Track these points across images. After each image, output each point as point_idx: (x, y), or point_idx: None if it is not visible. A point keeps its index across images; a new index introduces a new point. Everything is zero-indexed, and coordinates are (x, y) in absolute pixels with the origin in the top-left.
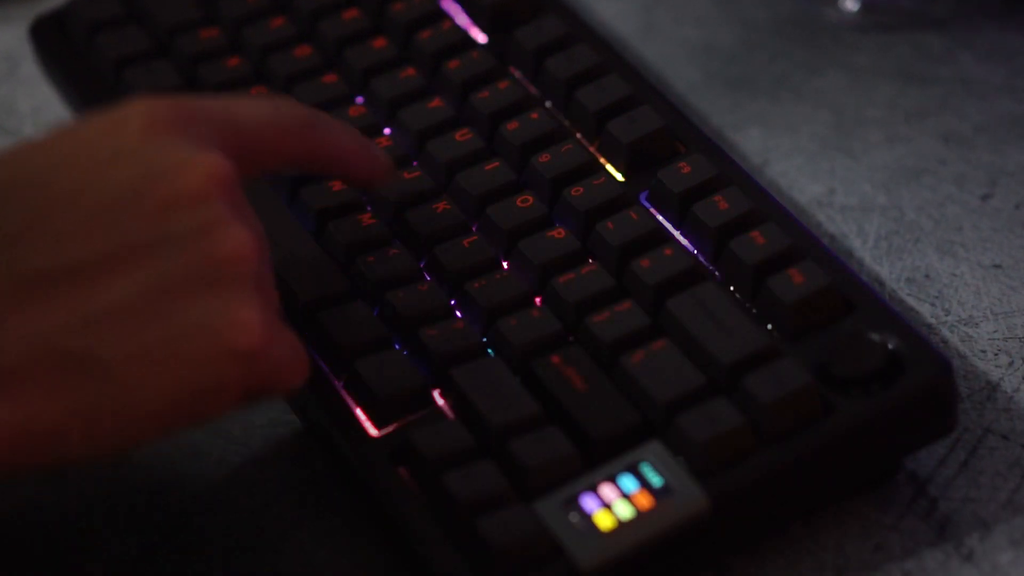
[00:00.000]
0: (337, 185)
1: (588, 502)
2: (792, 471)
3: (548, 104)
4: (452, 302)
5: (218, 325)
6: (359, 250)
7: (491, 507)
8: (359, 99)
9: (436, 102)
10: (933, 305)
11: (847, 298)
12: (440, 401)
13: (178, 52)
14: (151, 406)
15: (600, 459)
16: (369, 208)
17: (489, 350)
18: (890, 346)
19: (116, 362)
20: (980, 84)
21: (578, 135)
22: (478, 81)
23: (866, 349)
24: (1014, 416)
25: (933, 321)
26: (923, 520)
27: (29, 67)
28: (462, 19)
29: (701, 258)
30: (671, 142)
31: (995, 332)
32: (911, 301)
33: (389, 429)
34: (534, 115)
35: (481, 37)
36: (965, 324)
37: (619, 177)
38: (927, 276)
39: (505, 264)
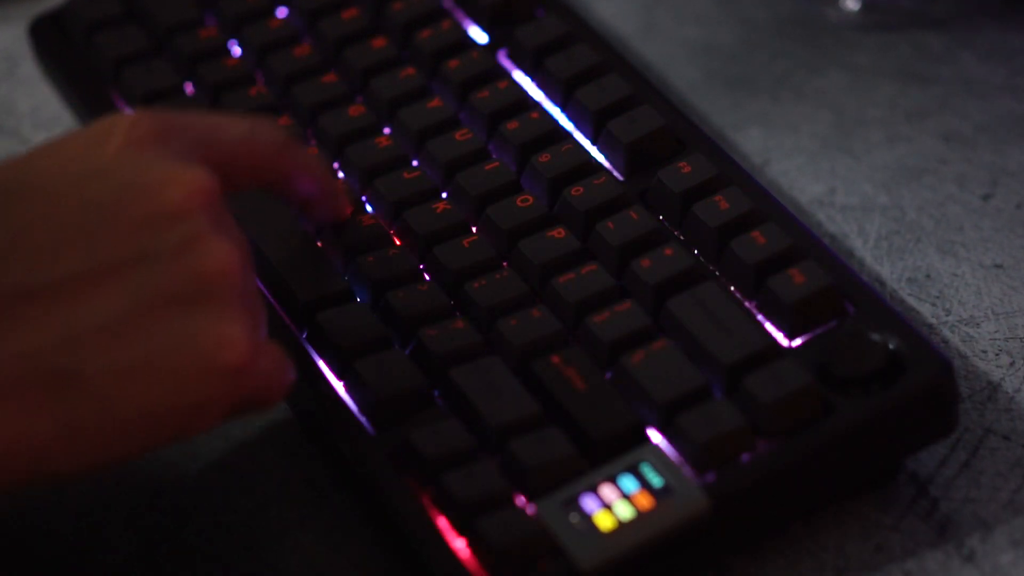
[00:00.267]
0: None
1: (588, 502)
2: (792, 471)
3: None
4: (452, 302)
5: (203, 341)
6: (359, 250)
7: (491, 507)
8: (359, 98)
9: (436, 102)
10: (934, 305)
11: (848, 298)
12: (440, 401)
13: (177, 51)
14: (136, 422)
15: (600, 459)
16: (369, 208)
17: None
18: (891, 346)
19: (99, 379)
20: (981, 84)
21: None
22: (478, 81)
23: (867, 349)
24: (1015, 416)
25: (934, 321)
26: (924, 521)
27: (28, 67)
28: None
29: (702, 258)
30: (671, 142)
31: (996, 332)
32: (912, 301)
33: (389, 429)
34: (534, 115)
35: (482, 37)
36: (966, 324)
37: (619, 177)
38: (928, 276)
39: (505, 264)
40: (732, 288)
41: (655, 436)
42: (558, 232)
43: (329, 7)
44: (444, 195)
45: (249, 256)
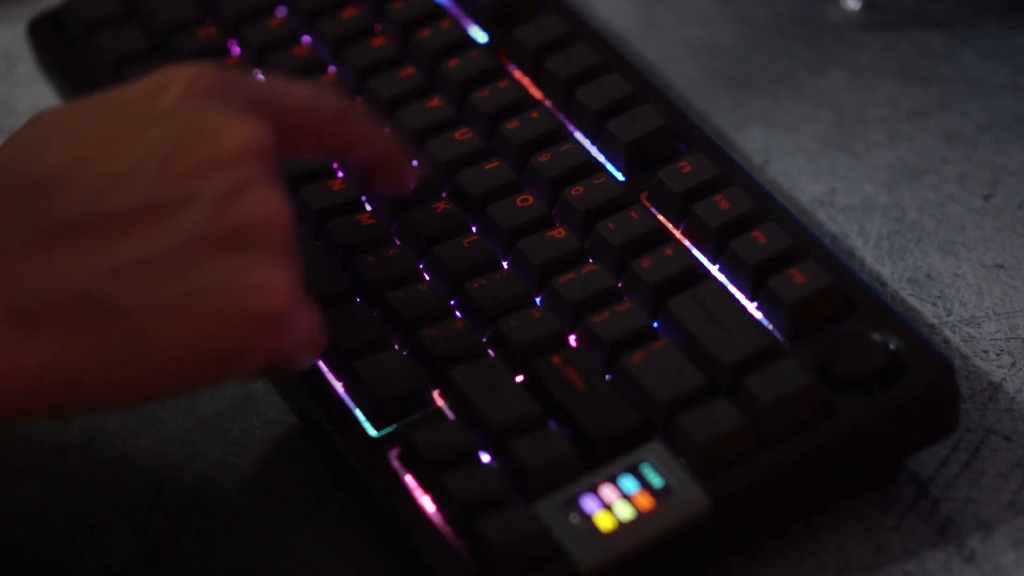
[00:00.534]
0: (336, 184)
1: (588, 503)
2: (793, 472)
3: (548, 103)
4: (452, 302)
5: (245, 286)
6: (359, 250)
7: (491, 507)
8: (358, 98)
9: (435, 101)
10: (935, 305)
11: (848, 298)
12: (440, 401)
13: (176, 51)
14: (173, 359)
15: (600, 460)
16: (369, 208)
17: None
18: (891, 346)
19: (140, 312)
20: (982, 83)
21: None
22: (478, 80)
23: (867, 349)
24: (1016, 417)
25: (935, 321)
26: (925, 521)
27: (27, 66)
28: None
29: (702, 258)
30: (672, 141)
31: (997, 332)
32: (913, 301)
33: (389, 429)
34: (534, 114)
35: (482, 36)
36: (967, 324)
37: (619, 176)
38: (929, 276)
39: (505, 264)
40: (732, 288)
41: (655, 436)
42: (558, 232)
43: (328, 6)
44: (444, 195)
45: (294, 212)
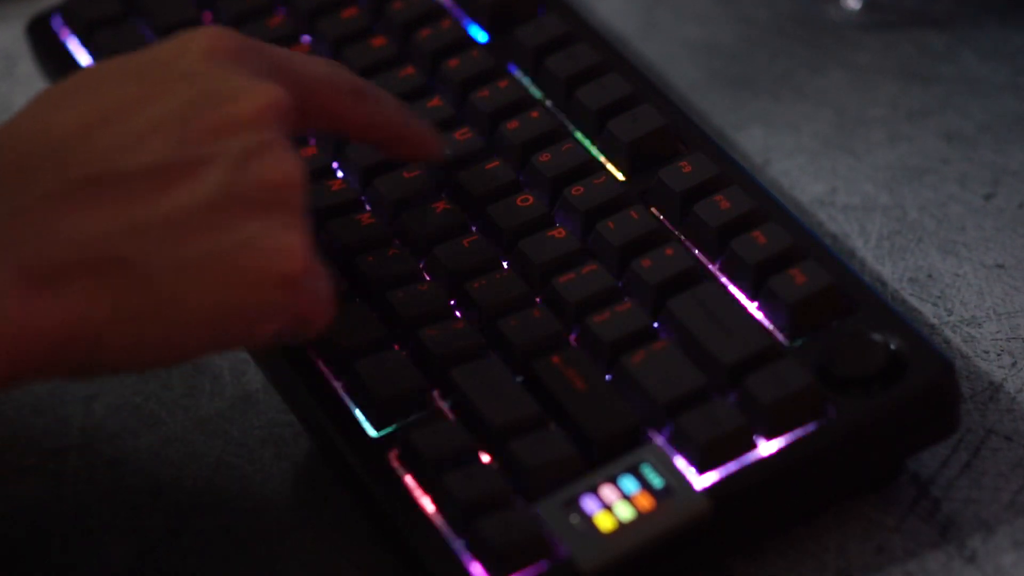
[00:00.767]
0: (336, 184)
1: (588, 503)
2: (793, 472)
3: (548, 103)
4: (452, 302)
5: (265, 246)
6: (359, 250)
7: (491, 508)
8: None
9: (435, 101)
10: (935, 305)
11: (849, 298)
12: (440, 401)
13: None
14: (191, 319)
15: (600, 460)
16: (368, 208)
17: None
18: (892, 346)
19: (160, 271)
20: (983, 83)
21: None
22: (478, 80)
23: (868, 349)
24: (1017, 417)
25: (935, 321)
26: (925, 521)
27: (26, 66)
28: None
29: (702, 258)
30: (672, 141)
31: (998, 332)
32: (913, 301)
33: (389, 429)
34: (534, 114)
35: (482, 36)
36: (968, 324)
37: (620, 176)
38: (929, 276)
39: (505, 264)
40: (733, 288)
41: (655, 437)
42: (558, 232)
43: (328, 6)
44: (443, 195)
45: (308, 175)
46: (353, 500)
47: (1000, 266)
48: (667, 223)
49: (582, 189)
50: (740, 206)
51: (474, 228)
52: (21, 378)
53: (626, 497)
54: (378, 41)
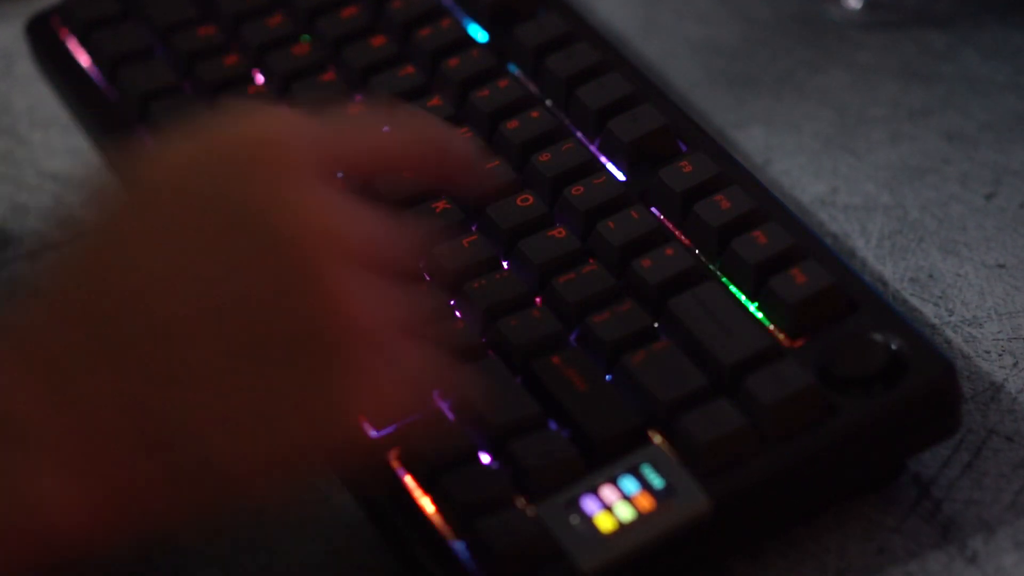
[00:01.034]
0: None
1: (589, 504)
2: (794, 472)
3: (548, 103)
4: (452, 302)
5: (316, 409)
6: None
7: (491, 509)
8: (358, 97)
9: (435, 100)
10: (936, 305)
11: (850, 298)
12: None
13: (175, 50)
14: (241, 474)
15: (601, 460)
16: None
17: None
18: (893, 347)
19: (203, 428)
20: (984, 82)
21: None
22: (478, 79)
23: (869, 350)
24: (1018, 417)
25: (936, 321)
26: (926, 522)
27: (25, 65)
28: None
29: (703, 258)
30: (672, 141)
31: (999, 333)
32: (914, 301)
33: (389, 430)
34: (534, 114)
35: (482, 35)
36: (969, 324)
37: (620, 176)
38: (930, 276)
39: (505, 264)
40: (733, 288)
41: (656, 437)
42: (558, 232)
43: (328, 5)
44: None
45: (398, 310)
46: (353, 501)
47: (1001, 266)
48: (667, 223)
49: (582, 189)
50: (741, 206)
51: (474, 228)
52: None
53: (626, 498)
54: (378, 40)
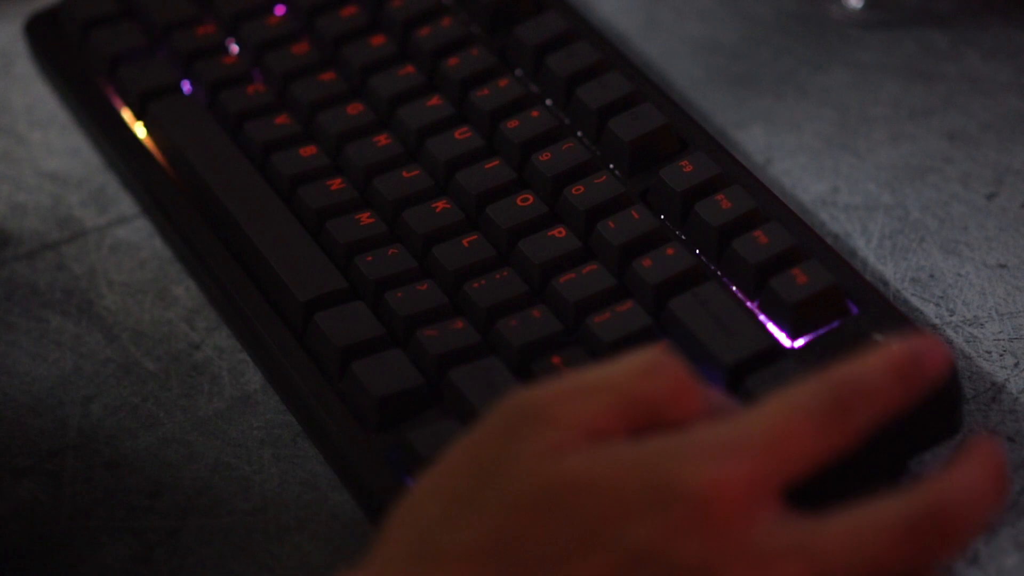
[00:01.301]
0: (336, 184)
1: None
2: None
3: (549, 102)
4: (452, 302)
5: None
6: (358, 249)
7: None
8: (358, 97)
9: (435, 100)
10: (938, 305)
11: (851, 298)
12: (440, 401)
13: (174, 49)
14: None
15: None
16: (368, 207)
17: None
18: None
19: None
20: (986, 81)
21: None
22: (478, 79)
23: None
24: (1020, 418)
25: (938, 321)
26: None
27: (24, 64)
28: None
29: (703, 258)
30: (673, 140)
31: (1000, 333)
32: (915, 301)
33: (389, 429)
34: (534, 113)
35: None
36: (970, 324)
37: (620, 176)
38: (932, 276)
39: (505, 264)
40: (734, 288)
41: None
42: (558, 231)
43: (328, 5)
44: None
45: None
46: (352, 500)
47: (1003, 266)
48: (668, 223)
49: (583, 188)
50: (741, 206)
51: (474, 228)
52: None
53: None
54: (378, 40)
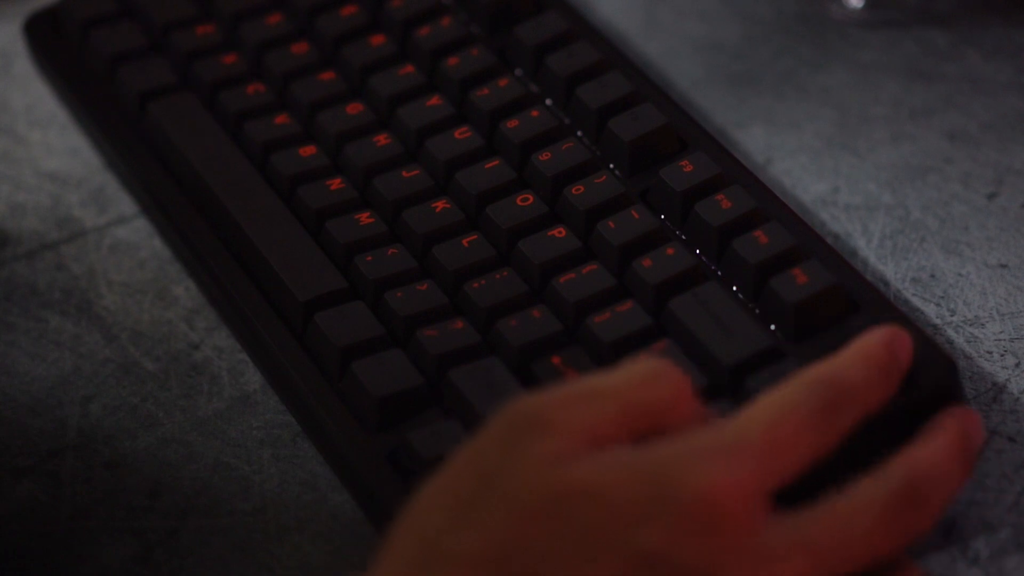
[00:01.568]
0: (336, 184)
1: None
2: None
3: (548, 102)
4: (451, 302)
5: None
6: (358, 249)
7: None
8: (358, 97)
9: (435, 100)
10: (938, 305)
11: (851, 298)
12: (440, 401)
13: (173, 49)
14: None
15: None
16: (368, 207)
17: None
18: None
19: None
20: (986, 81)
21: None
22: (478, 78)
23: None
24: (1021, 418)
25: (938, 322)
26: None
27: (23, 64)
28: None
29: (703, 258)
30: (673, 140)
31: (1001, 333)
32: (916, 301)
33: (389, 429)
34: (534, 113)
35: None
36: (971, 324)
37: (620, 175)
38: (932, 276)
39: (505, 264)
40: (734, 288)
41: None
42: (558, 231)
43: (327, 4)
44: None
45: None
46: (352, 500)
47: (1003, 266)
48: (668, 223)
49: (583, 188)
50: (742, 206)
51: (474, 228)
52: None
53: None
54: (377, 39)
